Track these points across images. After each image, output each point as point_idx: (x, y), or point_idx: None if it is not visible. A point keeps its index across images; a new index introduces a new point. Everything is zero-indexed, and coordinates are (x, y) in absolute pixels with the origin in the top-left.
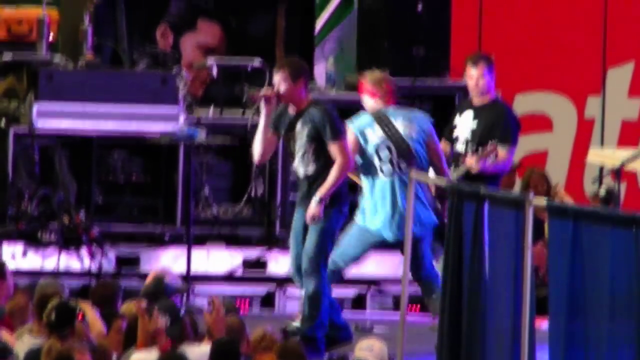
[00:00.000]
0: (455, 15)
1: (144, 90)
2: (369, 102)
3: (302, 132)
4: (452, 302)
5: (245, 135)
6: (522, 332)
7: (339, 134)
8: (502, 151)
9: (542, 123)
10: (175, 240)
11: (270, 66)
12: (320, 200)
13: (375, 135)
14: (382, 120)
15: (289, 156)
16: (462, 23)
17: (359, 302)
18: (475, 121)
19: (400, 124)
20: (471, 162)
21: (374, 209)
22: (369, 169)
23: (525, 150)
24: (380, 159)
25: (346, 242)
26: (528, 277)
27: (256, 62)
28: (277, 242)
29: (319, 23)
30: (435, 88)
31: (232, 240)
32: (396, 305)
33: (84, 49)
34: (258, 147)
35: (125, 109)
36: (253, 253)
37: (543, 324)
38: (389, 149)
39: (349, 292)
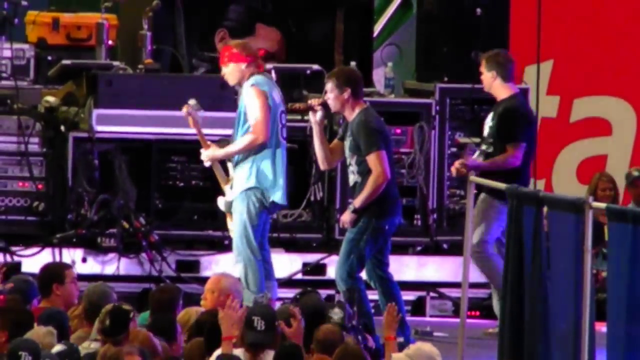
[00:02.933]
0: (514, 19)
1: (202, 95)
2: (241, 68)
3: (346, 142)
4: (512, 305)
5: (304, 140)
6: (582, 335)
7: (372, 146)
8: (509, 148)
9: (601, 127)
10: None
11: (329, 71)
12: (353, 209)
13: (277, 98)
14: (274, 82)
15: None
16: (520, 27)
17: (418, 307)
18: (493, 120)
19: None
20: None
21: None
22: (272, 130)
23: (585, 154)
24: (281, 123)
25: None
26: (588, 281)
27: (315, 67)
28: (336, 246)
29: (378, 27)
30: None
31: (292, 245)
32: (456, 310)
33: (143, 54)
34: (318, 155)
35: (184, 114)
36: (312, 257)
37: (603, 327)
38: (282, 112)
39: (408, 296)
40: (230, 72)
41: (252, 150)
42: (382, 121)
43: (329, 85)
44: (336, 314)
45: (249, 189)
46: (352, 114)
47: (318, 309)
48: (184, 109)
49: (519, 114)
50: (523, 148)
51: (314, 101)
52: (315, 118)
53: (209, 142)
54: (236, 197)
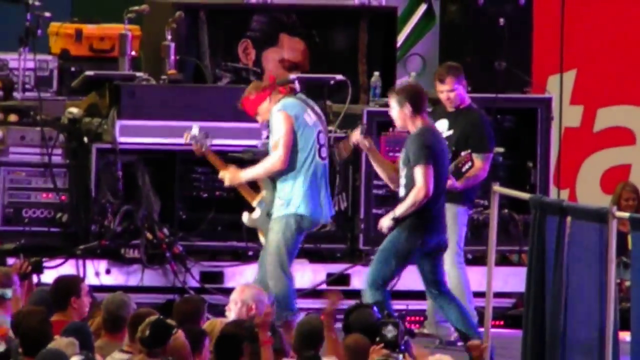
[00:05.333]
0: (537, 29)
1: (226, 106)
2: (267, 105)
3: (401, 154)
4: (535, 315)
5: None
6: (605, 345)
7: (420, 159)
8: (477, 160)
9: (624, 137)
10: (258, 256)
11: (353, 81)
12: (393, 217)
13: (311, 119)
14: (307, 103)
15: (372, 172)
16: (544, 37)
17: None
18: (451, 129)
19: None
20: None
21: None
22: (307, 152)
23: (609, 164)
24: (319, 143)
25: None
26: (612, 290)
27: (338, 77)
28: (360, 257)
29: (401, 38)
30: (517, 102)
31: (316, 256)
32: (480, 319)
33: (166, 65)
34: (383, 177)
35: (207, 125)
36: (336, 268)
37: (627, 337)
38: (320, 132)
39: None
40: (262, 114)
41: (291, 173)
42: (439, 140)
43: (391, 102)
44: (390, 331)
45: (289, 214)
46: (413, 130)
47: (369, 327)
48: (186, 138)
49: (488, 124)
50: (489, 160)
51: (354, 138)
52: (365, 148)
53: (225, 164)
54: (274, 218)
